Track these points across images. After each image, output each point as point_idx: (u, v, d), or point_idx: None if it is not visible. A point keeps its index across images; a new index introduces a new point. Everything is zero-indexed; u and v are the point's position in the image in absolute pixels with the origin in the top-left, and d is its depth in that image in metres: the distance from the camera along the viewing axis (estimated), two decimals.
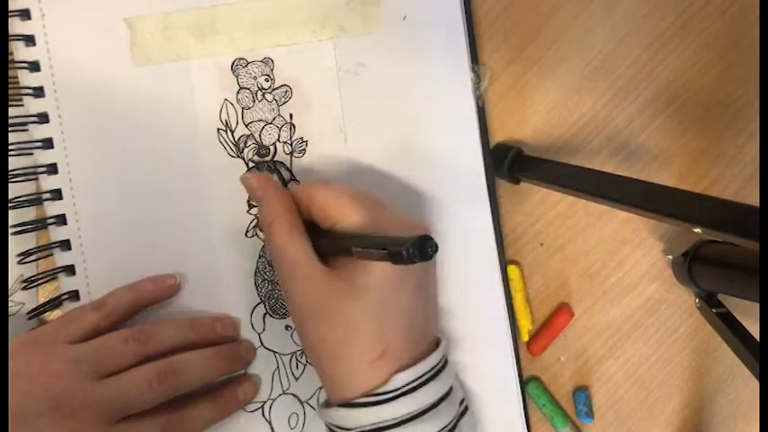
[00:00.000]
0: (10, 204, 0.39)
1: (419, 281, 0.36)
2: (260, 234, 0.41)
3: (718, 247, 0.41)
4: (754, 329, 0.40)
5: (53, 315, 0.41)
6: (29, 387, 0.33)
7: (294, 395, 0.41)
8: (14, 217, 0.39)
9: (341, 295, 0.33)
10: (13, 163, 0.39)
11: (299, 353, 0.42)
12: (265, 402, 0.41)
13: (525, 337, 0.44)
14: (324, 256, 0.35)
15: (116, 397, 0.35)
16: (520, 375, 0.43)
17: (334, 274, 0.34)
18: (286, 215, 0.35)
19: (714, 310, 0.42)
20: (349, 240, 0.33)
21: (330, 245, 0.35)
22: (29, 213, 0.40)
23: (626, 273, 0.45)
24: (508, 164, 0.42)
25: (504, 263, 0.43)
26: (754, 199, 0.45)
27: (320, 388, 0.42)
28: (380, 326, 0.33)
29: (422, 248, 0.28)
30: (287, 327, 0.41)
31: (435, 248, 0.28)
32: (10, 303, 0.40)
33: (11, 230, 0.39)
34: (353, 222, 0.34)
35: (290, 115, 0.41)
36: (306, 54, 0.41)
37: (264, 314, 0.41)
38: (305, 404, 0.42)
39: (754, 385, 0.45)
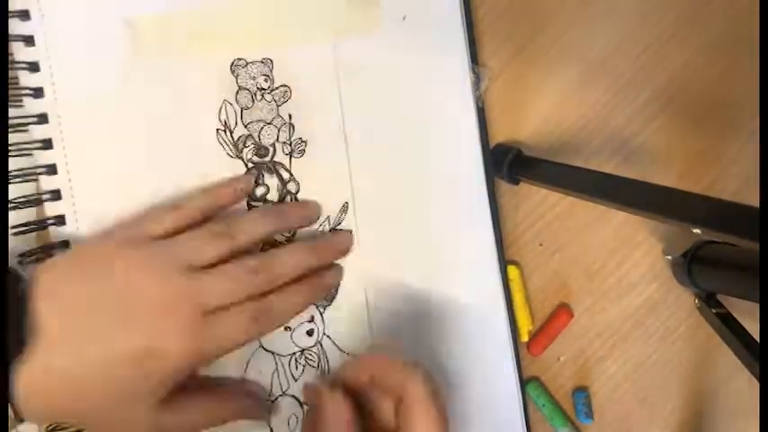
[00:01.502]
0: (10, 205, 0.39)
1: None
2: None
3: (717, 247, 0.41)
4: (753, 330, 0.40)
5: None
6: (125, 287, 0.33)
7: (293, 396, 0.41)
8: (14, 218, 0.39)
9: None
10: (13, 164, 0.39)
11: (298, 354, 0.41)
12: None
13: (525, 338, 0.44)
14: None
15: (210, 289, 0.34)
16: (520, 375, 0.43)
17: None
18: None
19: (714, 311, 0.42)
20: None
21: None
22: (29, 214, 0.40)
23: (625, 273, 0.45)
24: (508, 164, 0.42)
25: (504, 263, 0.43)
26: (753, 199, 0.44)
27: None
28: None
29: None
30: (286, 327, 0.41)
31: None
32: None
33: (11, 231, 0.39)
34: None
35: (290, 115, 0.41)
36: (305, 54, 0.41)
37: None
38: (304, 405, 0.42)
39: (753, 386, 0.45)
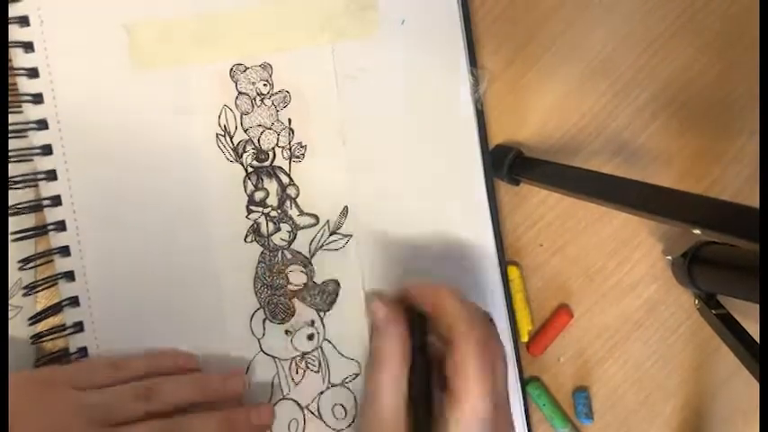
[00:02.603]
0: (10, 211, 0.39)
1: (508, 417, 0.36)
2: (259, 239, 0.41)
3: (717, 248, 0.41)
4: (753, 330, 0.40)
5: (56, 320, 0.41)
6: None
7: (294, 400, 0.42)
8: (14, 223, 0.39)
9: None
10: (13, 169, 0.39)
11: (298, 358, 0.42)
12: None
13: (525, 338, 0.44)
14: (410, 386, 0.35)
15: None
16: (520, 376, 0.43)
17: None
18: (395, 361, 0.35)
19: (713, 311, 0.42)
20: None
21: (427, 402, 0.35)
22: (29, 220, 0.40)
23: (625, 274, 0.45)
24: (508, 165, 0.42)
25: (504, 264, 0.43)
26: (754, 200, 0.44)
27: (320, 393, 0.42)
28: None
29: None
30: (287, 332, 0.41)
31: None
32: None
33: (11, 237, 0.39)
34: (470, 403, 0.33)
35: (289, 120, 0.41)
36: (304, 59, 0.41)
37: (264, 319, 0.41)
38: (305, 409, 0.42)
39: (753, 386, 0.45)
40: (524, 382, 0.44)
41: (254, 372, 0.41)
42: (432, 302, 0.36)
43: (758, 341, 0.39)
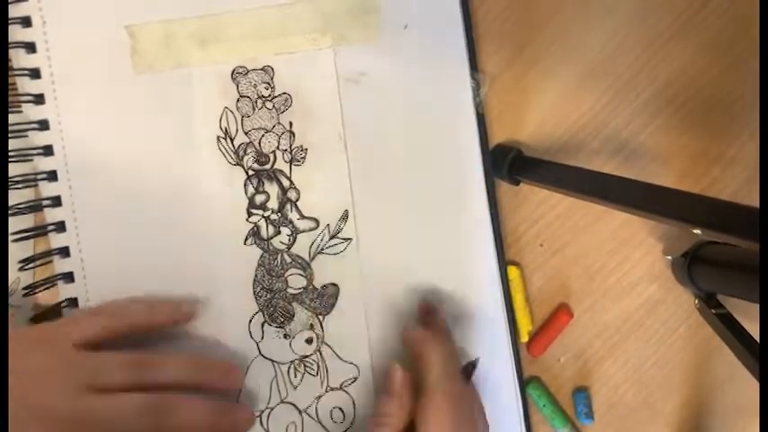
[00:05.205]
0: (10, 211, 0.39)
1: None
2: (258, 242, 0.41)
3: (717, 247, 0.41)
4: (753, 330, 0.40)
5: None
6: (20, 392, 0.33)
7: (292, 404, 0.42)
8: (14, 224, 0.39)
9: None
10: (13, 170, 0.39)
11: (297, 361, 0.42)
12: (263, 411, 0.41)
13: (525, 338, 0.44)
14: None
15: (102, 417, 0.34)
16: (520, 376, 0.43)
17: None
18: (394, 425, 0.36)
19: (713, 311, 0.42)
20: None
21: None
22: (28, 220, 0.40)
23: (625, 273, 0.45)
24: (508, 165, 0.42)
25: (504, 263, 0.43)
26: (753, 199, 0.45)
27: (318, 397, 0.42)
28: None
29: None
30: (285, 335, 0.41)
31: None
32: None
33: (11, 237, 0.39)
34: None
35: (290, 123, 0.41)
36: (306, 62, 0.41)
37: (263, 323, 0.41)
38: (303, 413, 0.42)
39: (753, 386, 0.45)
40: (524, 383, 0.44)
41: (252, 375, 0.41)
42: (415, 350, 0.38)
43: (758, 341, 0.39)
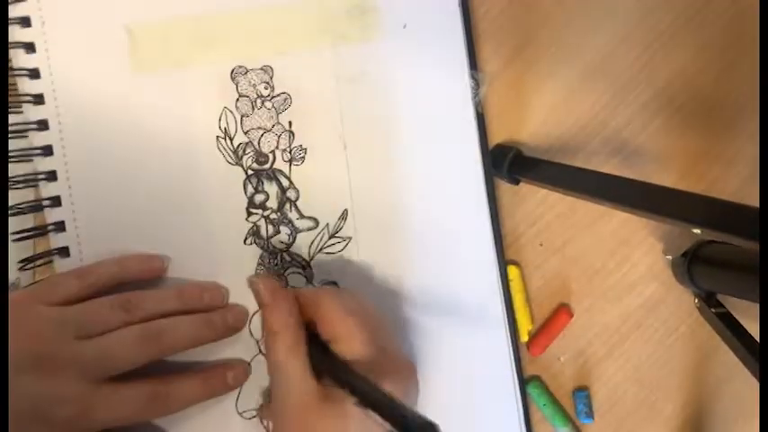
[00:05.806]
0: (10, 211, 0.39)
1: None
2: (258, 242, 0.41)
3: (717, 247, 0.41)
4: (753, 329, 0.40)
5: None
6: (8, 346, 0.33)
7: None
8: (14, 224, 0.39)
9: (329, 419, 0.34)
10: (13, 170, 0.39)
11: None
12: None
13: (525, 338, 0.44)
14: (318, 372, 0.35)
15: (99, 355, 0.34)
16: (520, 375, 0.43)
17: (325, 394, 0.34)
18: (289, 330, 0.36)
19: (713, 311, 0.42)
20: (347, 376, 0.34)
21: (328, 366, 0.35)
22: (28, 220, 0.40)
23: (625, 273, 0.45)
24: (507, 165, 0.42)
25: (503, 263, 0.43)
26: (753, 199, 0.44)
27: None
28: None
29: None
30: None
31: None
32: None
33: (11, 237, 0.39)
34: (354, 350, 0.35)
35: (290, 123, 0.41)
36: (305, 62, 0.41)
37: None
38: None
39: (753, 385, 0.45)
40: (524, 382, 0.44)
41: (252, 373, 0.41)
42: (313, 309, 0.37)
43: (758, 340, 0.39)
